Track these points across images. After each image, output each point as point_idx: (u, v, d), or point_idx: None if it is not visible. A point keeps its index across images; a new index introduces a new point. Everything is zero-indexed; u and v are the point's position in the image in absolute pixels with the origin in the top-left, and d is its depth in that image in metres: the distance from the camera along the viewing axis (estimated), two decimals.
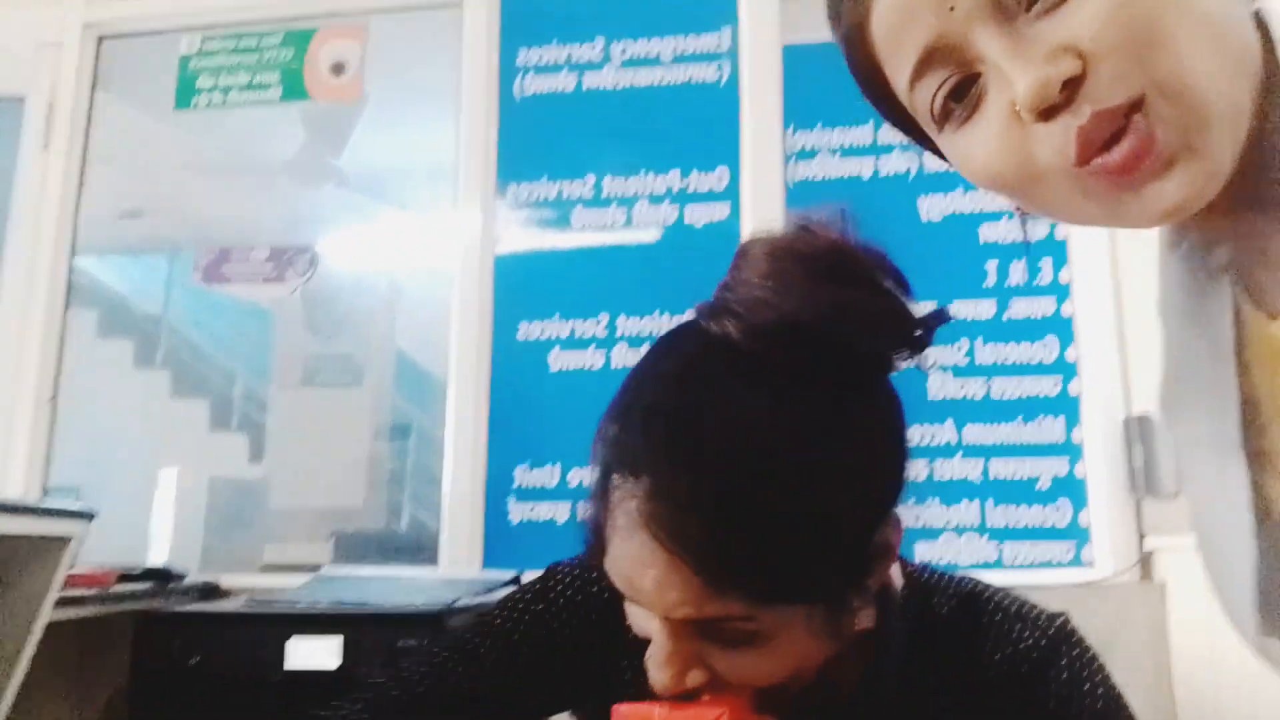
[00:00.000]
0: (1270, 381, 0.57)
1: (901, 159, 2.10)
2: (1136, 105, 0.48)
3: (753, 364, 0.64)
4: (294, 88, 2.37)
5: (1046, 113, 0.49)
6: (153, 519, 2.23)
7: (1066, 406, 1.96)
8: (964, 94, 0.52)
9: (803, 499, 0.62)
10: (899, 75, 0.54)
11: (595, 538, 0.68)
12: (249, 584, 2.04)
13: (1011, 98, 0.50)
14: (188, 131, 2.46)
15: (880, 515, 0.67)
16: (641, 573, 0.64)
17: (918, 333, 0.66)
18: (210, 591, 2.03)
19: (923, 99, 0.54)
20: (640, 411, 0.66)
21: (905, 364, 0.68)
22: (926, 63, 0.52)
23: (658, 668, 0.66)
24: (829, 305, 0.63)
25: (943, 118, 0.54)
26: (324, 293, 2.31)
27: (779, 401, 0.63)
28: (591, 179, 2.18)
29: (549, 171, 2.20)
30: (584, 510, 0.69)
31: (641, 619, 0.69)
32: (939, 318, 0.67)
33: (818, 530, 0.63)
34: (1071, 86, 0.48)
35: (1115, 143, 0.48)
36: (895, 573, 0.80)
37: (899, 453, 0.68)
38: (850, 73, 0.59)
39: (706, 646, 0.66)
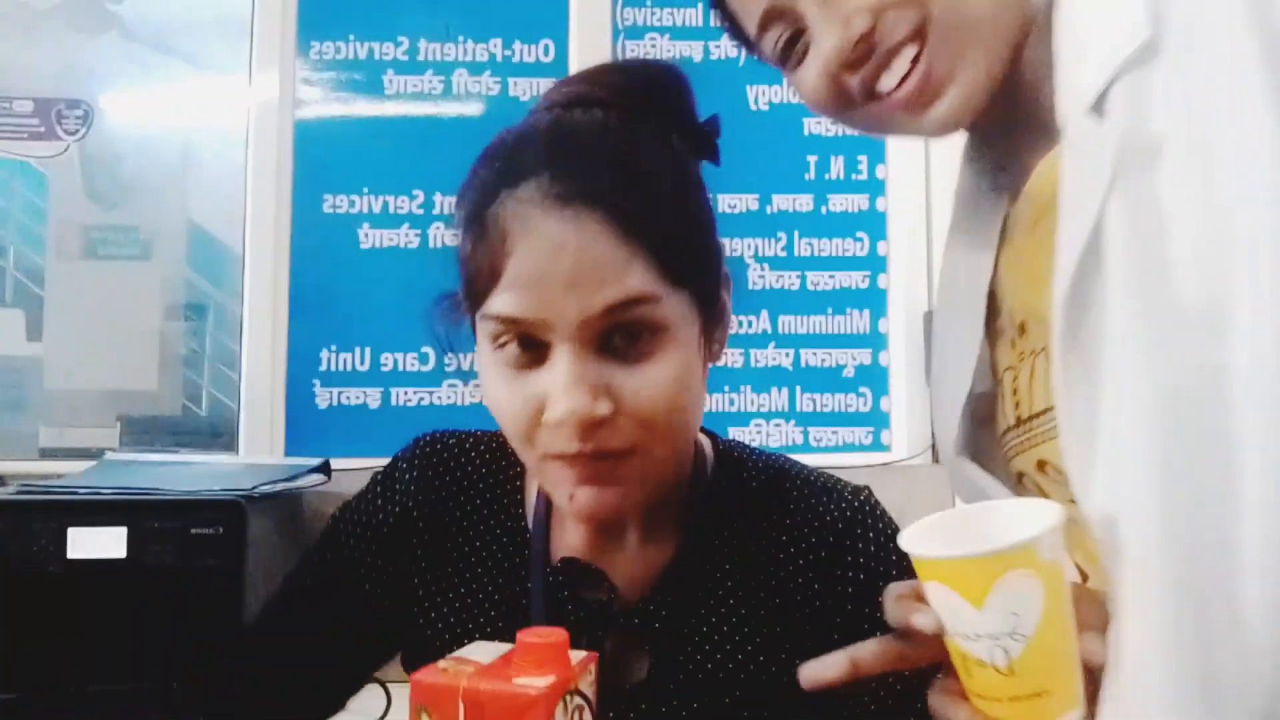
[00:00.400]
0: (1009, 263, 0.72)
1: (733, 45, 2.07)
2: (918, 35, 0.64)
3: (602, 116, 0.73)
4: None
5: (850, 66, 0.67)
6: None
7: (874, 299, 2.03)
8: (796, 42, 0.70)
9: (681, 199, 0.73)
10: (748, 28, 0.72)
11: (481, 277, 0.69)
12: (25, 470, 1.87)
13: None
14: None
15: (719, 262, 0.77)
16: (555, 260, 0.66)
17: (704, 126, 0.79)
18: None
19: (767, 47, 0.72)
20: (517, 141, 0.73)
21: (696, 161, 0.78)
22: (765, 24, 0.70)
23: (565, 397, 0.66)
24: (660, 72, 0.78)
25: (781, 62, 0.71)
26: (105, 156, 2.09)
27: (639, 137, 0.73)
28: (406, 42, 2.04)
29: (357, 31, 2.03)
30: (463, 252, 0.72)
31: (536, 390, 0.68)
32: (712, 124, 0.80)
33: (697, 221, 0.74)
34: (865, 40, 0.65)
35: (898, 74, 0.66)
36: (707, 445, 0.83)
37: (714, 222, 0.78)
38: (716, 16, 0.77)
39: (608, 368, 0.68)
